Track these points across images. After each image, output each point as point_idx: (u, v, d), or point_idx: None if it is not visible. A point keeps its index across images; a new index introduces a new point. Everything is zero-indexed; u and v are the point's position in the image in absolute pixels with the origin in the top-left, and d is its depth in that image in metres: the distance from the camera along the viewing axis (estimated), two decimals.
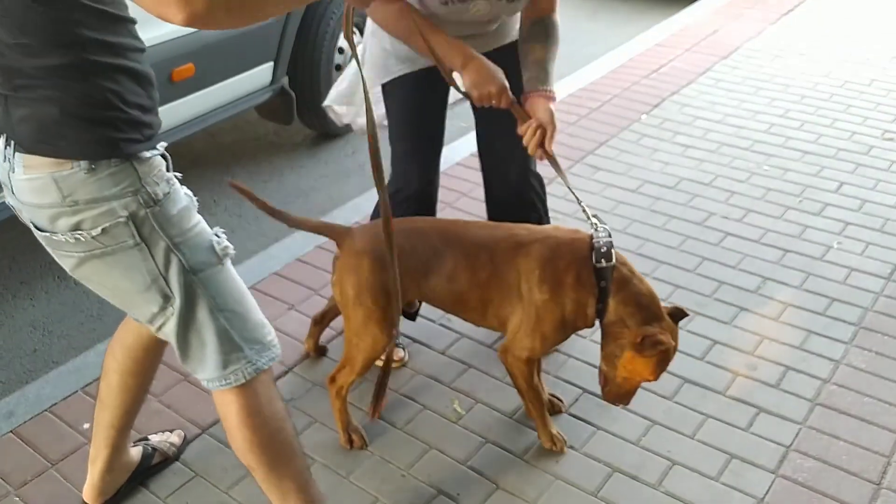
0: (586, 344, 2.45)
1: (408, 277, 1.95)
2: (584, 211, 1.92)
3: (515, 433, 2.17)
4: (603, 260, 1.84)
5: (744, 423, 2.19)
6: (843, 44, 4.90)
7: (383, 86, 2.22)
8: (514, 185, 2.29)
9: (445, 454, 2.11)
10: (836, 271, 2.80)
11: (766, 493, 1.99)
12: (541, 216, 2.34)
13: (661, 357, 1.82)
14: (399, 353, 2.44)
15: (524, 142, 1.98)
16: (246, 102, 3.63)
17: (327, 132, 4.17)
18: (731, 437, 2.15)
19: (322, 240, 3.02)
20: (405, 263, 1.93)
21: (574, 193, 1.96)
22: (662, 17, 5.61)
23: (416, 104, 2.21)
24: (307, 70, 3.88)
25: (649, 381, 1.87)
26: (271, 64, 3.68)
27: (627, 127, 3.86)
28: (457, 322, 2.53)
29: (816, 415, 2.21)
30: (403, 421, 2.22)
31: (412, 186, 2.26)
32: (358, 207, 3.29)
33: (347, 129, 4.25)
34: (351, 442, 2.13)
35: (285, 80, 3.79)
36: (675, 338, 1.85)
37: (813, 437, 2.14)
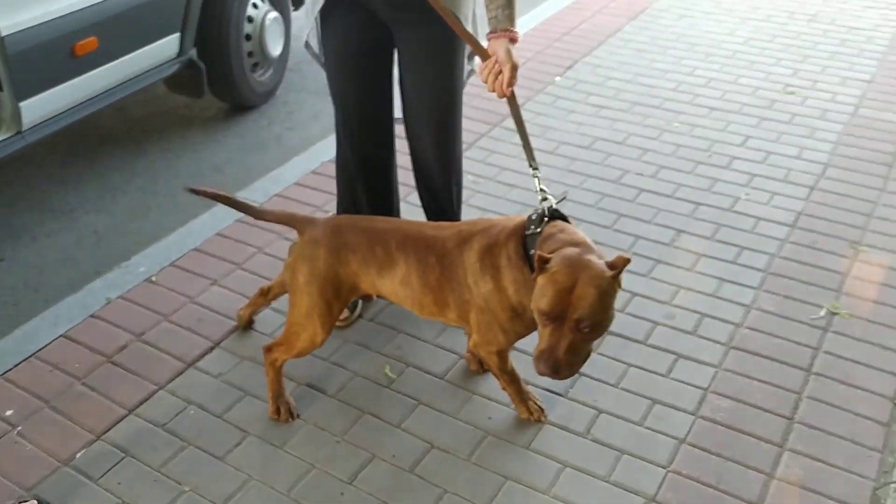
0: None
1: (363, 275, 1.96)
2: (536, 178, 1.93)
3: (448, 394, 2.21)
4: (532, 227, 1.81)
5: (664, 370, 2.29)
6: (746, 2, 5.06)
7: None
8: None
9: (379, 418, 2.14)
10: (745, 221, 2.93)
11: (688, 433, 2.09)
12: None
13: (549, 280, 1.66)
14: (345, 314, 2.44)
15: (482, 79, 2.00)
16: (153, 76, 3.51)
17: (241, 104, 4.08)
18: (653, 383, 2.24)
19: (241, 214, 2.98)
20: (361, 262, 1.95)
21: (529, 152, 1.97)
22: None
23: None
24: (216, 41, 3.77)
25: (543, 311, 1.66)
26: (178, 35, 3.57)
27: (542, 90, 3.91)
28: None
29: (731, 357, 2.33)
30: (335, 388, 2.23)
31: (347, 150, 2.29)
32: (277, 178, 3.24)
33: (262, 99, 4.18)
34: (278, 412, 2.13)
35: (194, 52, 3.69)
36: (596, 283, 1.64)
37: (729, 379, 2.25)
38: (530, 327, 1.88)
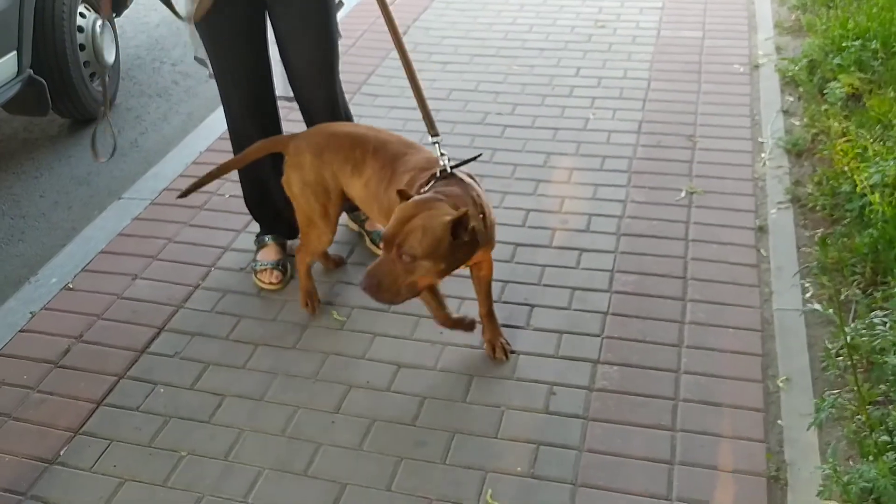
0: None
1: (341, 174, 2.21)
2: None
3: (398, 322, 2.42)
4: (433, 181, 1.99)
5: (573, 263, 2.63)
6: None
7: None
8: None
9: (342, 355, 2.32)
10: (599, 136, 3.35)
11: (608, 306, 2.44)
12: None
13: (397, 211, 1.88)
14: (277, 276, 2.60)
15: None
16: None
17: (84, 117, 3.96)
18: (568, 275, 2.58)
19: (138, 210, 3.00)
20: (342, 161, 2.19)
21: (429, 122, 2.16)
22: None
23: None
24: (51, 54, 3.67)
25: (383, 235, 1.88)
26: (14, 54, 3.45)
27: (386, 56, 4.13)
28: None
29: (623, 242, 2.71)
30: (293, 341, 2.38)
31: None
32: (159, 175, 3.26)
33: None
34: (307, 304, 2.44)
35: (30, 70, 3.57)
36: (428, 223, 1.83)
37: (627, 259, 2.63)
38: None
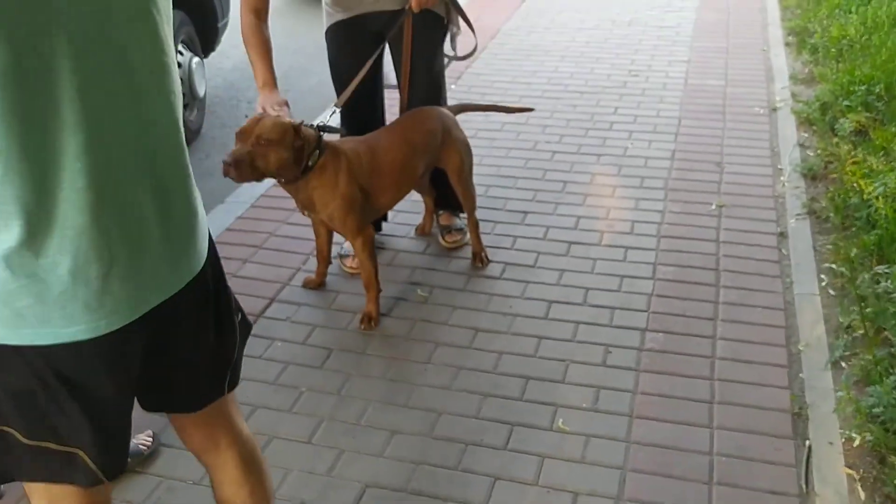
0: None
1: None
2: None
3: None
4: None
5: (620, 258, 3.07)
6: (575, 18, 6.14)
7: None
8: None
9: (428, 321, 2.75)
10: (637, 161, 3.82)
11: (652, 289, 2.87)
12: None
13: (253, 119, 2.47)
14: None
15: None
16: None
17: None
18: (616, 267, 3.01)
19: (241, 211, 3.47)
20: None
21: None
22: None
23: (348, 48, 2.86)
24: None
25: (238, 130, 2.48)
26: None
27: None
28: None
29: (662, 243, 3.15)
30: (385, 309, 2.82)
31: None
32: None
33: (192, 136, 4.62)
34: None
35: None
36: (275, 123, 2.43)
37: (666, 256, 3.07)
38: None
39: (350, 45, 2.84)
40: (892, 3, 4.86)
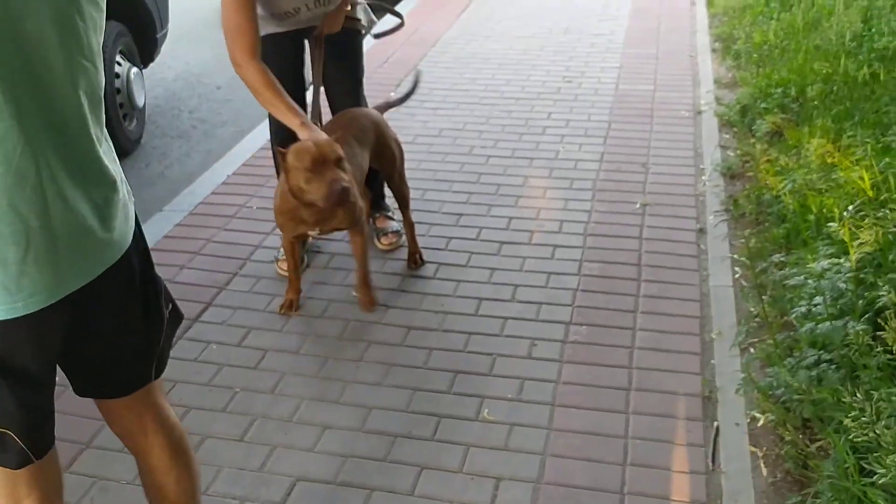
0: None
1: None
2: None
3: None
4: None
5: (549, 255, 3.19)
6: (515, 26, 6.29)
7: None
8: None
9: (360, 321, 2.83)
10: (568, 163, 3.96)
11: (578, 285, 2.99)
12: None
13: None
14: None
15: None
16: None
17: (117, 151, 4.49)
18: (545, 264, 3.13)
19: (179, 219, 3.51)
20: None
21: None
22: None
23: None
24: None
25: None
26: None
27: (409, 72, 4.76)
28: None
29: (589, 241, 3.28)
30: (319, 311, 2.89)
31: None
32: (194, 193, 3.79)
33: (132, 146, 4.63)
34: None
35: None
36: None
37: (592, 253, 3.20)
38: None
39: (277, 56, 2.92)
40: (810, 10, 5.10)
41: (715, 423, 2.33)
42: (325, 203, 2.44)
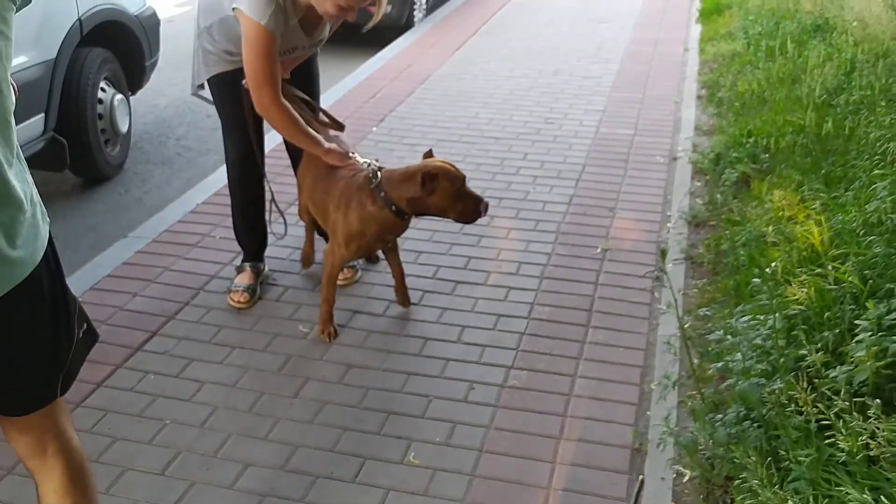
0: None
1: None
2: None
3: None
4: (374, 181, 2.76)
5: (502, 297, 3.18)
6: (504, 66, 6.34)
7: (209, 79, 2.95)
8: None
9: (303, 357, 2.82)
10: (536, 205, 3.96)
11: (525, 329, 2.97)
12: None
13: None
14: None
15: None
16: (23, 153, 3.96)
17: (97, 176, 4.55)
18: (495, 306, 3.12)
19: (141, 246, 3.54)
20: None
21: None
22: (364, 59, 6.69)
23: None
24: (74, 119, 4.28)
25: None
26: (42, 115, 4.06)
27: (364, 137, 4.80)
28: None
29: (544, 284, 3.27)
30: (263, 345, 2.89)
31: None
32: (162, 219, 3.82)
33: (114, 171, 4.68)
34: None
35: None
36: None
37: (545, 296, 3.18)
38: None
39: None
40: (796, 60, 5.11)
41: (640, 477, 2.29)
42: (472, 218, 2.76)
